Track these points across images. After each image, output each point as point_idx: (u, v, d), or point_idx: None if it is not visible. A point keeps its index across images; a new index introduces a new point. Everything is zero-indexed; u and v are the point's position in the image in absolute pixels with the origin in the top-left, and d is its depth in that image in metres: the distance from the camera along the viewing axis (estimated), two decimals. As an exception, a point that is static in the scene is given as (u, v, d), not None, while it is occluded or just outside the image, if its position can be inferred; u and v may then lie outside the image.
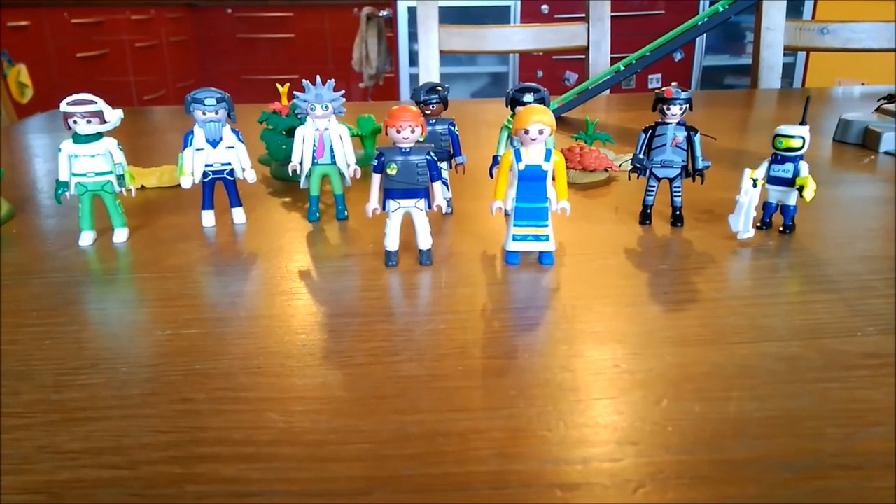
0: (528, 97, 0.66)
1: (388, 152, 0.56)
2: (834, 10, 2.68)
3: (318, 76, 0.67)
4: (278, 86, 0.87)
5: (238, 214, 0.69)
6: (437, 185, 0.57)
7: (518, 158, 0.56)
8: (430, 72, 1.62)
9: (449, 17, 1.62)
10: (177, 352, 0.45)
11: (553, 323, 0.48)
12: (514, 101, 0.67)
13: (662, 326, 0.47)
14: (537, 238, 0.57)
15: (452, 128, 0.70)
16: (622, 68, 1.09)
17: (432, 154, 0.57)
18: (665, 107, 0.63)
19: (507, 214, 0.59)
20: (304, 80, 0.67)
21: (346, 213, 0.70)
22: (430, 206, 0.58)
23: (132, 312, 0.51)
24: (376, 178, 0.57)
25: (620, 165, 0.84)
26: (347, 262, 0.60)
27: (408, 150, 0.56)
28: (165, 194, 0.80)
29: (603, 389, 0.40)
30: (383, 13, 3.01)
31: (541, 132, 0.54)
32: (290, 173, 0.68)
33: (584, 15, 1.64)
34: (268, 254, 0.62)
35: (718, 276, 0.56)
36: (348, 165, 0.69)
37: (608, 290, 0.53)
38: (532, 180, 0.56)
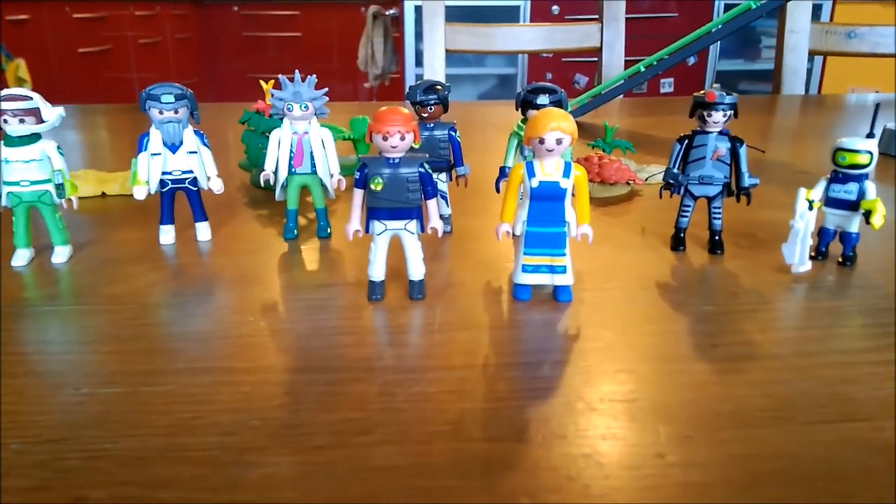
0: (543, 99, 0.55)
1: (372, 164, 0.45)
2: (853, 14, 2.55)
3: (296, 71, 0.56)
4: (262, 83, 0.76)
5: (202, 230, 0.59)
6: (432, 204, 0.46)
7: (531, 173, 0.45)
8: (435, 71, 1.51)
9: (456, 16, 1.51)
10: (87, 421, 0.34)
11: (574, 387, 0.37)
12: (526, 104, 0.56)
13: (715, 395, 0.36)
14: (552, 270, 0.46)
15: (453, 133, 0.59)
16: (643, 69, 0.98)
17: (426, 166, 0.46)
18: (706, 113, 0.52)
19: (515, 238, 0.48)
20: (280, 76, 0.56)
21: (328, 230, 0.59)
22: (422, 229, 0.47)
23: (46, 360, 0.40)
24: (358, 195, 0.46)
25: (647, 179, 0.73)
26: (323, 293, 0.49)
27: (396, 161, 0.45)
28: (128, 204, 0.69)
29: (646, 496, 0.29)
30: (390, 12, 2.89)
31: (559, 142, 0.43)
32: (262, 183, 0.57)
33: (595, 16, 1.53)
34: (230, 281, 0.51)
35: (775, 321, 0.45)
36: (331, 175, 0.58)
37: (641, 338, 0.42)
38: (547, 200, 0.45)
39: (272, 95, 0.56)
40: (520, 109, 0.56)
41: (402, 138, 0.44)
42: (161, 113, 0.54)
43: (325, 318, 0.45)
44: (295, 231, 0.59)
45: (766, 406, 0.35)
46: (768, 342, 0.41)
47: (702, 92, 0.53)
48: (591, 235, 0.46)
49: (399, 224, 0.46)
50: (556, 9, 2.63)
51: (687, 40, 1.00)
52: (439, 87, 0.58)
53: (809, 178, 0.79)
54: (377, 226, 0.46)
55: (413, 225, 0.46)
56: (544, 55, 2.66)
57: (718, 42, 2.75)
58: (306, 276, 0.52)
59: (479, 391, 0.36)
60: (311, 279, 0.52)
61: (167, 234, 0.58)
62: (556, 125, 0.43)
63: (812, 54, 1.51)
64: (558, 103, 0.55)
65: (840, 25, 1.55)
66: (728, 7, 2.70)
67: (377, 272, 0.47)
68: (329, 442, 0.32)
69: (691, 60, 1.05)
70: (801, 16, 1.51)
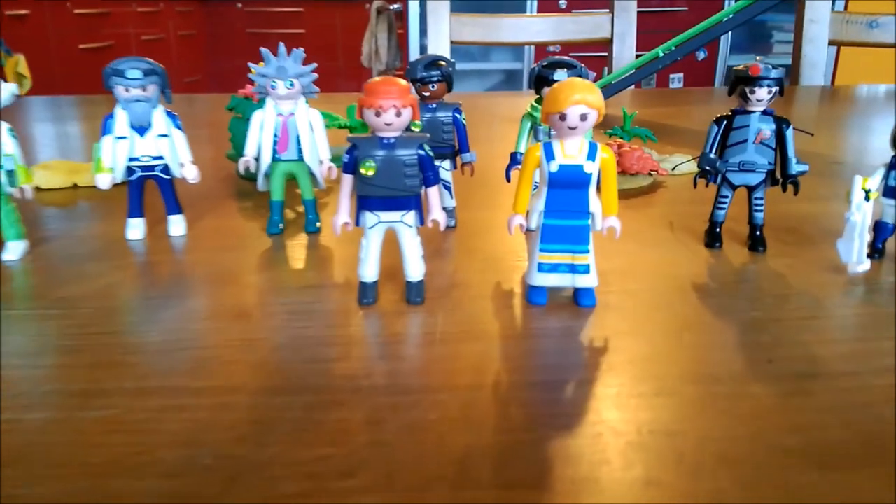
0: (561, 74, 0.47)
1: (363, 144, 0.38)
2: (868, 5, 2.46)
3: (281, 43, 0.49)
4: (251, 65, 0.69)
5: (175, 224, 0.52)
6: (434, 193, 0.39)
7: (549, 156, 0.37)
8: (439, 63, 1.44)
9: (462, 9, 1.45)
10: (2, 457, 0.27)
11: (604, 413, 0.30)
12: (541, 81, 0.48)
13: (781, 426, 0.29)
14: (573, 269, 0.39)
15: (458, 115, 0.52)
16: (661, 55, 0.91)
17: (426, 148, 0.39)
18: (748, 89, 0.45)
19: (528, 233, 0.41)
20: (262, 49, 0.49)
21: (317, 224, 0.52)
22: (422, 222, 0.40)
23: (-29, 376, 0.33)
24: (347, 181, 0.39)
25: (674, 169, 0.65)
26: (308, 296, 0.42)
27: (391, 140, 0.38)
28: (101, 196, 0.61)
29: (709, 568, 0.22)
30: (394, 7, 2.82)
31: (583, 118, 0.36)
32: (242, 171, 0.50)
33: (604, 10, 1.46)
34: (202, 282, 0.44)
35: (837, 331, 0.38)
36: (321, 162, 0.51)
37: (680, 351, 0.35)
38: (569, 187, 0.38)
39: (254, 71, 0.49)
40: (533, 87, 0.49)
41: (399, 114, 0.37)
42: (127, 91, 0.47)
43: (308, 326, 0.38)
44: (280, 225, 0.52)
45: (847, 439, 0.28)
46: (834, 357, 0.34)
47: (744, 65, 0.45)
48: (619, 229, 0.39)
49: (394, 216, 0.39)
50: (563, 2, 2.56)
51: (705, 25, 0.93)
52: (443, 63, 0.51)
53: (847, 168, 0.72)
54: (369, 217, 0.39)
55: (411, 217, 0.39)
56: (551, 49, 2.58)
57: (729, 36, 2.66)
58: (289, 276, 0.45)
59: (488, 419, 0.29)
60: (294, 279, 0.44)
61: (135, 229, 0.51)
62: (581, 98, 0.36)
63: (832, 45, 1.43)
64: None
65: (861, 14, 1.47)
66: None
67: (369, 272, 0.40)
68: (299, 488, 0.25)
69: (701, 55, 0.99)
70: (820, 5, 1.44)
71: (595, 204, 0.38)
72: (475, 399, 0.30)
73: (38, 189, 0.63)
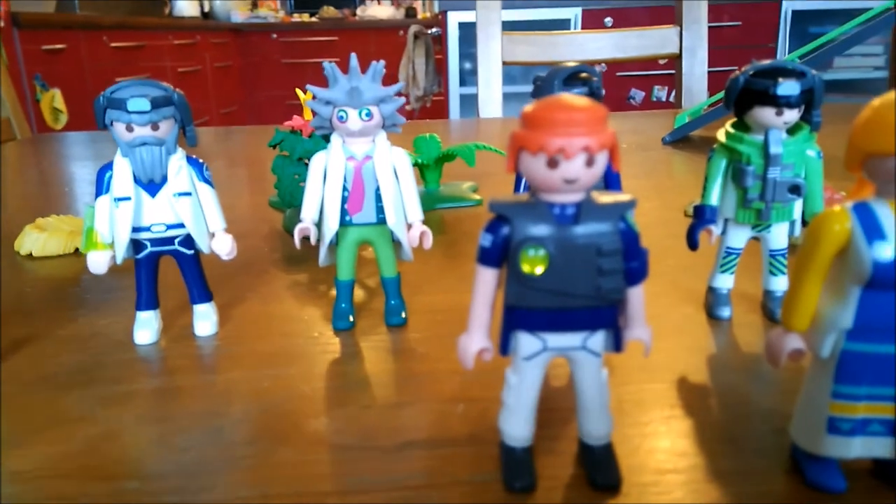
0: (789, 87, 0.30)
1: (521, 216, 0.21)
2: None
3: (353, 54, 0.32)
4: (298, 91, 0.53)
5: (203, 319, 0.35)
6: (639, 295, 0.22)
7: (874, 232, 0.20)
8: (490, 87, 1.30)
9: (505, 30, 1.31)
10: None
11: None
12: (749, 97, 0.31)
13: None
14: (894, 429, 0.21)
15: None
16: (797, 61, 0.73)
17: (629, 219, 0.21)
18: None
19: (794, 357, 0.23)
20: (326, 62, 0.32)
21: (403, 314, 0.35)
22: (619, 347, 0.22)
23: None
24: (488, 280, 0.22)
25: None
26: (405, 466, 0.24)
27: (573, 209, 0.21)
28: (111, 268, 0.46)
29: None
30: (432, 31, 2.68)
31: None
32: (298, 242, 0.33)
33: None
34: (238, 437, 0.27)
35: None
36: (409, 224, 0.34)
37: None
38: (907, 290, 0.20)
39: (314, 97, 0.32)
40: (733, 107, 0.32)
41: (590, 162, 0.20)
42: (130, 130, 0.31)
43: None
44: (350, 318, 0.35)
45: None
46: None
47: None
48: None
49: (572, 339, 0.22)
50: (609, 20, 2.38)
51: (830, 36, 0.77)
52: (586, 75, 0.34)
53: None
54: (527, 343, 0.22)
55: (598, 340, 0.22)
56: (598, 67, 2.41)
57: (786, 51, 2.47)
58: (377, 419, 0.28)
59: None
60: (386, 429, 0.27)
61: (146, 328, 0.34)
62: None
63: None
64: (810, 93, 0.31)
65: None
66: (795, 14, 2.43)
67: (520, 430, 0.23)
68: None
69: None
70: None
71: (946, 317, 0.20)
72: None
73: (29, 257, 0.48)
